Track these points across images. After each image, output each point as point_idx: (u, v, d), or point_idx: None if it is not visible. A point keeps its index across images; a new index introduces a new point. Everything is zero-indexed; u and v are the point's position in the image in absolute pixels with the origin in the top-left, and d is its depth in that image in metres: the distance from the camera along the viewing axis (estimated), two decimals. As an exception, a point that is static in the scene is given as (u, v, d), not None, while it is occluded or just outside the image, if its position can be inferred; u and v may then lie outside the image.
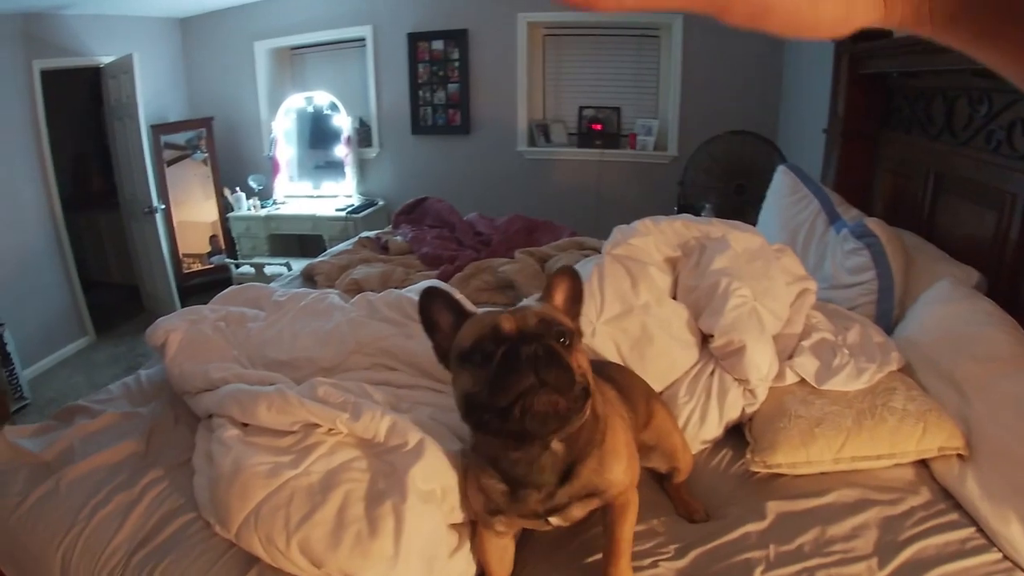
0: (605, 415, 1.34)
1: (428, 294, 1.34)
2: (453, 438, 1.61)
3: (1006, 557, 1.42)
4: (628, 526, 1.36)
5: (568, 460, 1.26)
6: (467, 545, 1.46)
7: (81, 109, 5.98)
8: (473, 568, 1.47)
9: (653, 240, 2.26)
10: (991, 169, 2.21)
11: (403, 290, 2.34)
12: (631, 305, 2.03)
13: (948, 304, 2.01)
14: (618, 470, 1.32)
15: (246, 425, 1.71)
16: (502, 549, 1.44)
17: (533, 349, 1.13)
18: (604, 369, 1.67)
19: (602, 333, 2.04)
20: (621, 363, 1.96)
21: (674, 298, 2.14)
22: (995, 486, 1.50)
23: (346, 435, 1.61)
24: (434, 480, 1.44)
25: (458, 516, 1.47)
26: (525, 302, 1.38)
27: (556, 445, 1.24)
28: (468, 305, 1.47)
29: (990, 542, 1.46)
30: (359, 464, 1.51)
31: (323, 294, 2.42)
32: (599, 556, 1.42)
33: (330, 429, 1.61)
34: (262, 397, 1.66)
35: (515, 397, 1.13)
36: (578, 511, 1.32)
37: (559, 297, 1.35)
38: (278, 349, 2.09)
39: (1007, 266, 2.14)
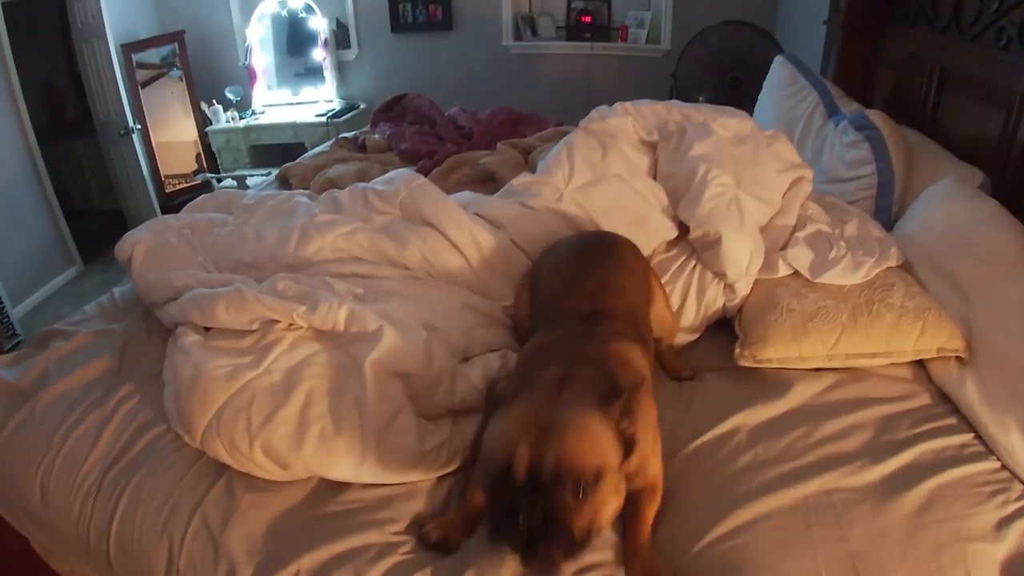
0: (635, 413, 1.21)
1: None
2: (419, 328, 1.55)
3: (1004, 466, 1.37)
4: (655, 508, 1.30)
5: None
6: (446, 437, 1.41)
7: (48, 37, 5.76)
8: (454, 461, 1.42)
9: (631, 121, 2.20)
10: (1000, 67, 2.14)
11: (369, 182, 2.24)
12: (603, 173, 1.97)
13: (951, 202, 1.94)
14: (646, 475, 1.26)
15: (208, 330, 1.66)
16: None
17: (535, 513, 1.01)
18: (614, 259, 1.64)
19: (570, 200, 1.98)
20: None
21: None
22: (995, 392, 1.44)
23: (306, 329, 1.56)
24: (394, 367, 1.39)
25: (433, 411, 1.43)
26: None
27: None
28: None
29: (988, 450, 1.41)
30: (320, 359, 1.47)
31: (291, 194, 2.32)
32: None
33: (290, 324, 1.56)
34: (220, 298, 1.61)
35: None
36: None
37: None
38: (243, 251, 2.01)
39: (1013, 167, 2.08)
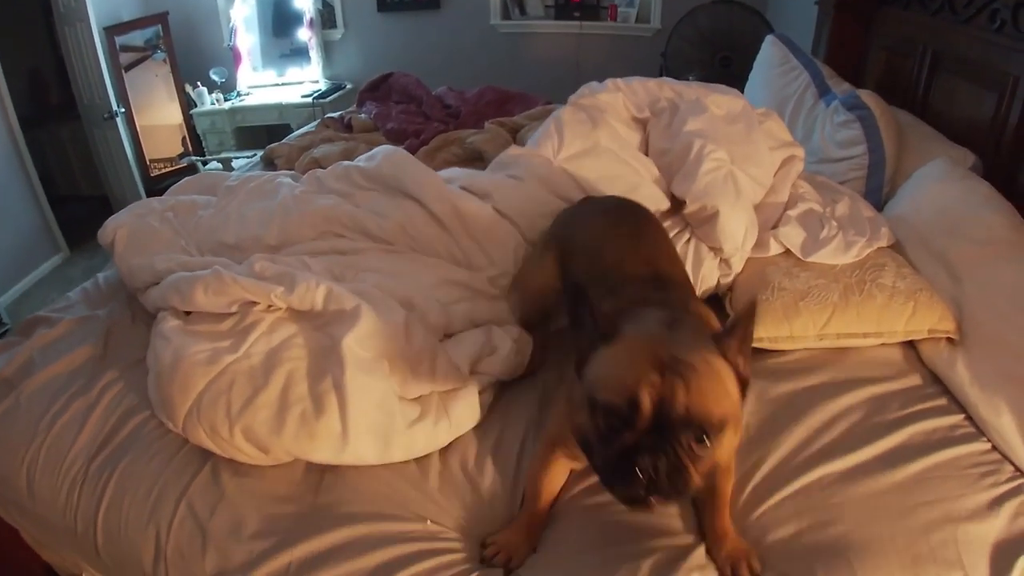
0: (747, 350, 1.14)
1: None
2: (397, 307, 1.54)
3: (995, 448, 1.36)
4: (731, 486, 1.25)
5: None
6: (430, 416, 1.39)
7: (30, 21, 5.69)
8: (439, 440, 1.40)
9: (622, 97, 2.18)
10: (993, 49, 2.14)
11: (352, 161, 2.22)
12: (594, 143, 1.97)
13: (943, 183, 1.93)
14: (729, 448, 1.15)
15: (189, 314, 1.64)
16: (563, 474, 1.32)
17: (659, 460, 0.95)
18: (652, 225, 1.62)
19: (560, 170, 1.98)
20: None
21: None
22: (986, 373, 1.43)
23: (284, 311, 1.55)
24: (372, 347, 1.38)
25: (414, 391, 1.40)
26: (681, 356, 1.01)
27: None
28: None
29: (979, 431, 1.40)
30: (299, 340, 1.45)
31: (274, 175, 2.30)
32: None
33: (268, 306, 1.55)
34: (198, 281, 1.59)
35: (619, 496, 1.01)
36: None
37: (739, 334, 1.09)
38: (226, 232, 1.99)
39: (1005, 150, 2.07)
